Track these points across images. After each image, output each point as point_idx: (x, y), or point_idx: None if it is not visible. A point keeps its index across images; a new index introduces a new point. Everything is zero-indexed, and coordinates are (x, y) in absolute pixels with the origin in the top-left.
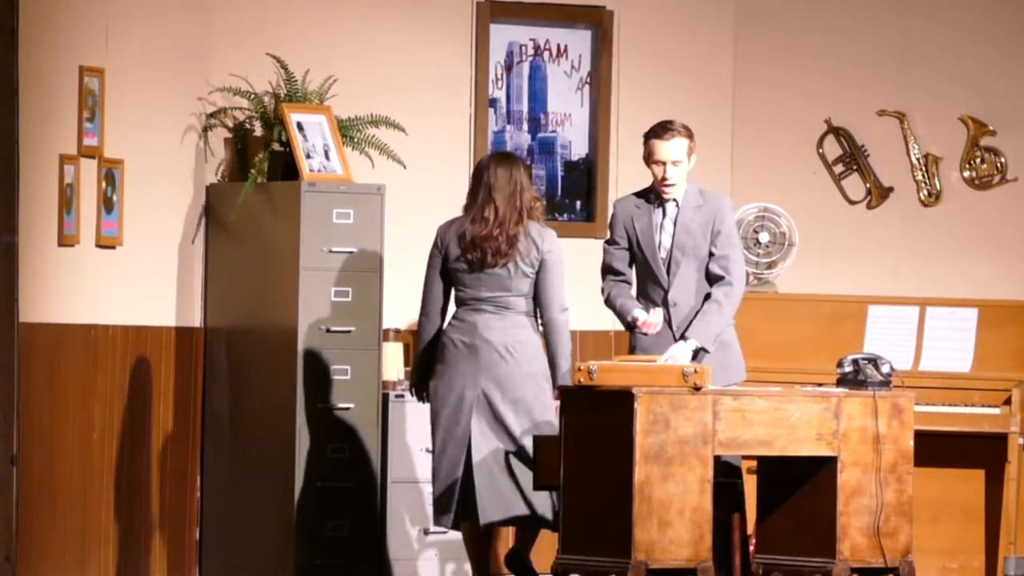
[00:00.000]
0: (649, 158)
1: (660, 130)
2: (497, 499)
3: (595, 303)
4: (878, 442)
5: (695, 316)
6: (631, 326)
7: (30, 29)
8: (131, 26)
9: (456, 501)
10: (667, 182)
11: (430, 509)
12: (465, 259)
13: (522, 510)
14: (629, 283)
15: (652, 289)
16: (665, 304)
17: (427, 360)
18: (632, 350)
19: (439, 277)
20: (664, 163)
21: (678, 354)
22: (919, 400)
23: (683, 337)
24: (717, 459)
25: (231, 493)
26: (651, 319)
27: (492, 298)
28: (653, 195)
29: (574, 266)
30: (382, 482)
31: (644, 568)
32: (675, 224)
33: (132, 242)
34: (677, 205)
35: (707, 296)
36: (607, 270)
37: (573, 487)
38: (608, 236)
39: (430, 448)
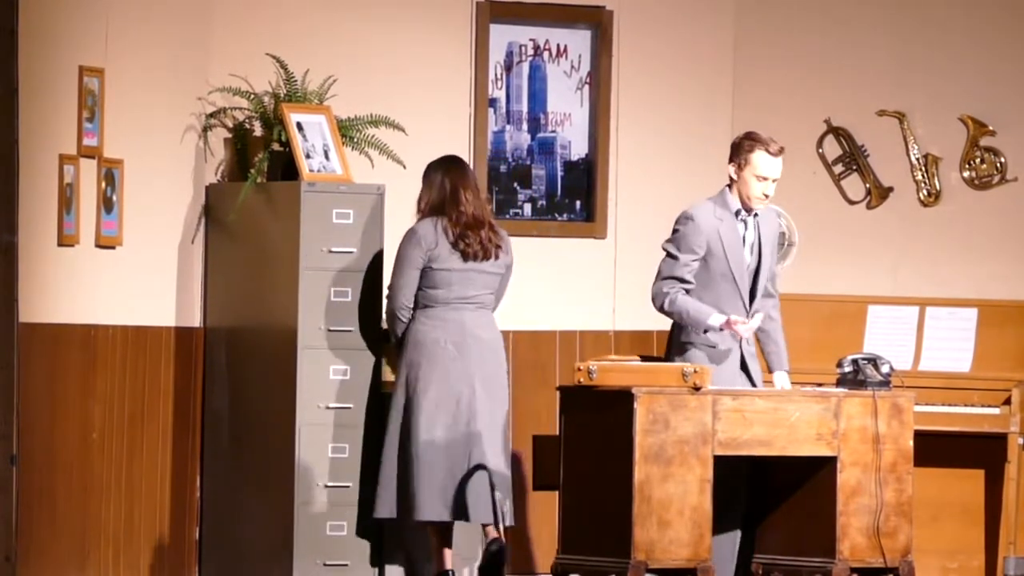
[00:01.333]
0: (749, 169)
1: (771, 144)
2: (487, 499)
3: (595, 303)
4: (878, 442)
5: (773, 344)
6: (707, 329)
7: (30, 29)
8: (131, 26)
9: (455, 497)
10: (767, 199)
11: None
12: (460, 252)
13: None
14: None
15: (729, 303)
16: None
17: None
18: (684, 348)
19: (417, 277)
20: (767, 179)
21: (784, 384)
22: (919, 400)
23: (779, 368)
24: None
25: (231, 493)
26: (751, 322)
27: (475, 296)
28: (733, 207)
29: (575, 266)
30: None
31: (644, 568)
32: (759, 241)
33: (132, 242)
34: (756, 219)
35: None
36: (674, 278)
37: (573, 487)
38: (682, 244)
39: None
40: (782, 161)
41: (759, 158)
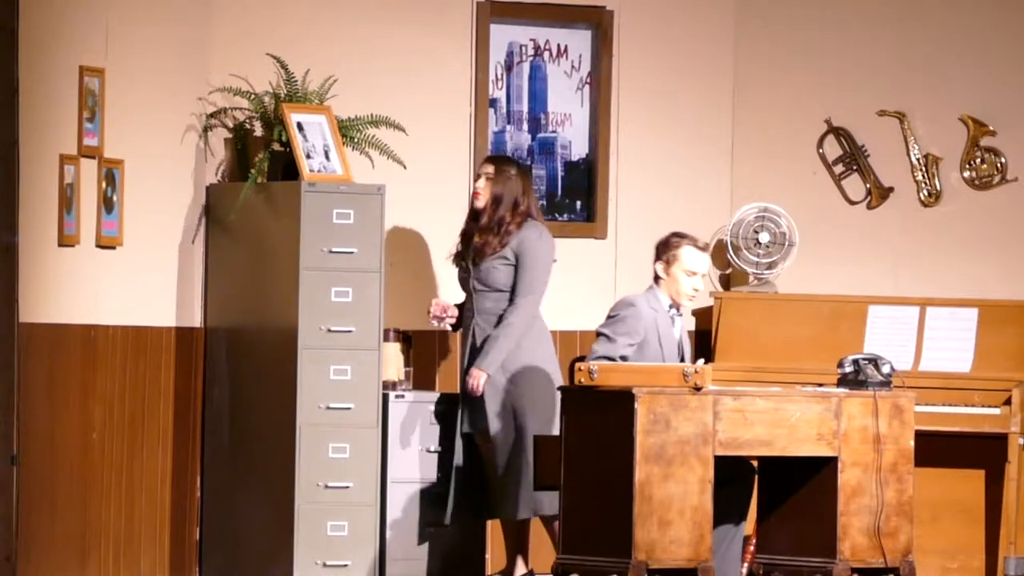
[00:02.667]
0: (678, 265)
1: (698, 240)
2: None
3: (595, 303)
4: (879, 442)
5: None
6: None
7: (30, 29)
8: (131, 26)
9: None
10: (697, 294)
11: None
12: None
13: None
14: None
15: None
16: None
17: None
18: None
19: None
20: (696, 274)
21: None
22: (919, 400)
23: None
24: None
25: (231, 493)
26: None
27: None
28: (664, 304)
29: (574, 266)
30: (382, 482)
31: (644, 568)
32: (682, 339)
33: (132, 242)
34: (680, 318)
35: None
36: (609, 359)
37: (573, 487)
38: (619, 328)
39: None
40: (708, 257)
41: (687, 253)
